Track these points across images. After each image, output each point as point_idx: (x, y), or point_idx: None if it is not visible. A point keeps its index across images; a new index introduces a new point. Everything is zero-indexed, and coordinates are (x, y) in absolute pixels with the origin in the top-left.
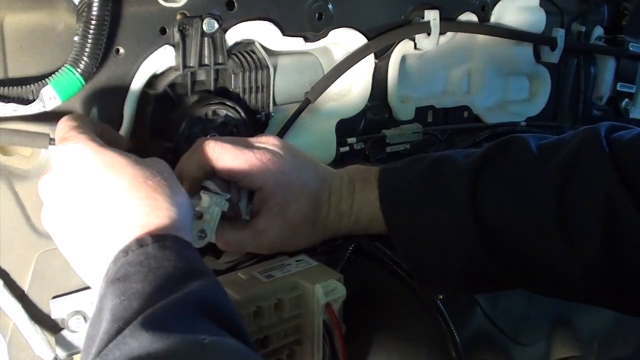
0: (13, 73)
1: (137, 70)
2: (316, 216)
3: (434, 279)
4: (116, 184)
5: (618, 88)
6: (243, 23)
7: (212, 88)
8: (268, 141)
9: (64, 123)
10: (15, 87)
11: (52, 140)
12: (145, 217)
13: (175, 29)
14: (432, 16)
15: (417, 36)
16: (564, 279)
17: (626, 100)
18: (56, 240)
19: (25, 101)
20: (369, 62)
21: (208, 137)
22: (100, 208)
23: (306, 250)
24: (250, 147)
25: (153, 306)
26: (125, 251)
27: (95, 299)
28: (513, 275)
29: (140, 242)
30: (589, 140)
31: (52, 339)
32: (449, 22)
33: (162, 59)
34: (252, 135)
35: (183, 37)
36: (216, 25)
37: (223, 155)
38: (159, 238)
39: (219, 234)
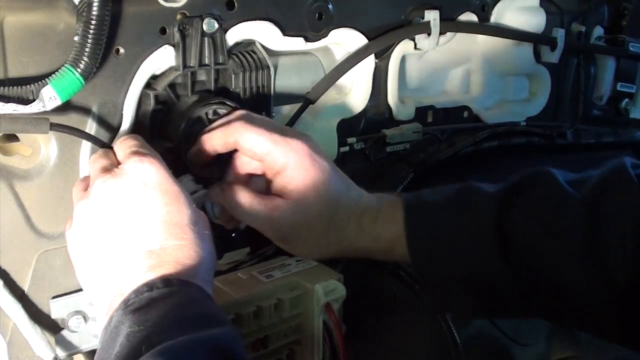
0: (13, 73)
1: (137, 70)
2: (333, 218)
3: (457, 306)
4: (169, 217)
5: (618, 88)
6: (243, 23)
7: (212, 88)
8: (300, 135)
9: (134, 139)
10: (15, 87)
11: (52, 125)
12: (181, 259)
13: (176, 29)
14: (432, 16)
15: (417, 36)
16: (592, 309)
17: (626, 100)
18: (81, 242)
19: (25, 101)
20: (369, 62)
21: (238, 110)
22: (144, 231)
23: None
24: (279, 129)
25: (172, 340)
26: (150, 286)
27: (107, 322)
28: (539, 304)
29: (166, 282)
30: (616, 170)
31: (52, 339)
32: (449, 22)
33: (162, 59)
34: None
35: (183, 37)
36: (216, 25)
37: (248, 131)
38: (185, 284)
39: (237, 196)
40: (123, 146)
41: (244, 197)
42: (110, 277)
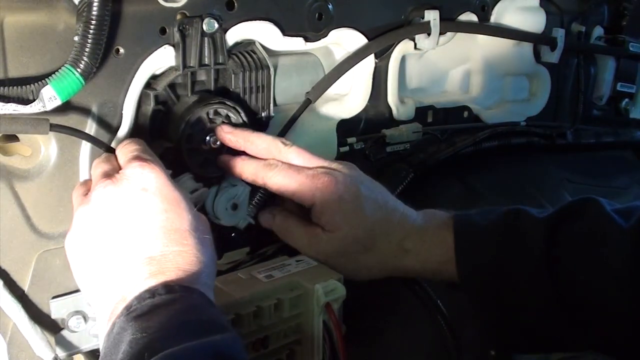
0: (13, 73)
1: (137, 70)
2: (371, 245)
3: (503, 335)
4: (169, 223)
5: (618, 88)
6: (243, 23)
7: (212, 88)
8: (338, 167)
9: (136, 144)
10: (15, 87)
11: (52, 126)
12: (181, 265)
13: (175, 29)
14: (432, 16)
15: (417, 36)
16: (638, 341)
17: (626, 100)
18: (80, 247)
19: (25, 101)
20: (369, 62)
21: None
22: (144, 238)
23: None
24: (308, 168)
25: (174, 347)
26: (152, 292)
27: (109, 329)
28: (586, 334)
29: (168, 289)
30: None
31: (52, 339)
32: (449, 22)
33: (162, 59)
34: None
35: (183, 37)
36: (216, 25)
37: (276, 174)
38: (187, 290)
39: (285, 224)
40: (125, 151)
41: (292, 226)
42: (111, 283)
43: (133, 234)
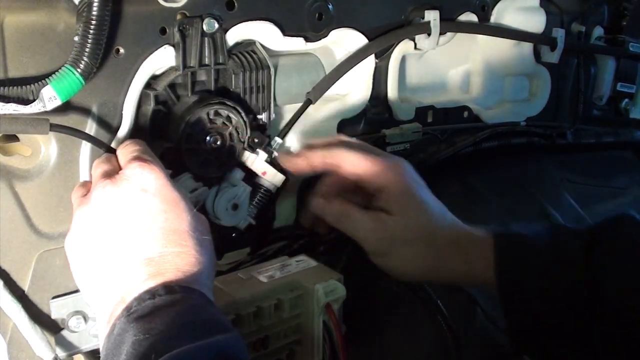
0: (13, 73)
1: (137, 71)
2: (432, 238)
3: (539, 346)
4: (168, 223)
5: (618, 88)
6: (243, 23)
7: (212, 88)
8: (396, 157)
9: (136, 144)
10: (15, 87)
11: (52, 126)
12: (180, 265)
13: (176, 29)
14: (432, 16)
15: (417, 36)
16: None
17: (626, 100)
18: (80, 248)
19: (26, 101)
20: (369, 63)
21: (341, 137)
22: (142, 239)
23: (307, 250)
24: (376, 152)
25: (177, 349)
26: (152, 293)
27: (109, 330)
28: (622, 349)
29: (168, 289)
30: None
31: (52, 339)
32: (449, 22)
33: (162, 59)
34: (252, 136)
35: (183, 37)
36: (216, 25)
37: (350, 154)
38: (187, 290)
39: (343, 208)
40: (125, 151)
41: (352, 210)
42: (110, 284)
43: (132, 235)
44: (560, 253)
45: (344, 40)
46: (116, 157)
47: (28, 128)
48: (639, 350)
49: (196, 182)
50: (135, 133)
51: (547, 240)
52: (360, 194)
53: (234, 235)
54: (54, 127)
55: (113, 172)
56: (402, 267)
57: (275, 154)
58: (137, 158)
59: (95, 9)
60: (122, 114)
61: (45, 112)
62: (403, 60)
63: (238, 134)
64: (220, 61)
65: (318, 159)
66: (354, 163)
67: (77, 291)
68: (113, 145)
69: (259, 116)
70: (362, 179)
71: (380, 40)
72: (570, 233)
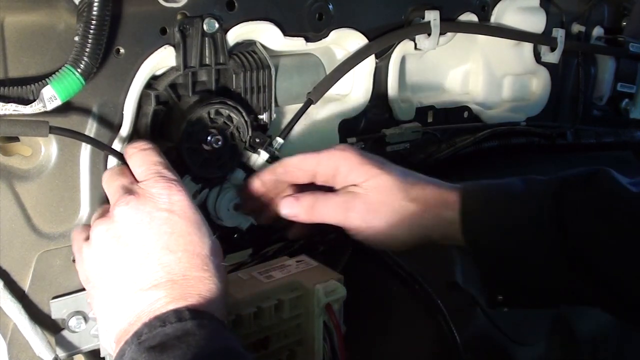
0: (13, 73)
1: (137, 71)
2: (401, 196)
3: (513, 294)
4: (192, 246)
5: (618, 88)
6: (244, 23)
7: (213, 88)
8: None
9: (156, 154)
10: (15, 87)
11: (51, 128)
12: (203, 291)
13: (176, 29)
14: (432, 17)
15: (417, 36)
16: None
17: (626, 100)
18: (101, 263)
19: (26, 101)
20: (369, 63)
21: None
22: (167, 260)
23: (307, 250)
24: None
25: None
26: (163, 320)
27: (117, 354)
28: (597, 293)
29: (178, 315)
30: None
31: (52, 339)
32: (449, 23)
33: (162, 59)
34: (253, 136)
35: (184, 37)
36: (217, 26)
37: (292, 157)
38: (197, 315)
39: (313, 197)
40: (145, 160)
41: (321, 198)
42: (128, 304)
43: (156, 256)
44: (530, 197)
45: (345, 41)
46: (128, 168)
47: (27, 130)
48: (605, 292)
49: (196, 185)
50: (136, 133)
51: (516, 186)
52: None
53: (236, 236)
54: (54, 130)
55: (131, 185)
56: (383, 236)
57: (277, 154)
58: (163, 177)
59: (95, 9)
60: (122, 114)
61: (46, 112)
62: (403, 60)
63: (239, 133)
64: (221, 61)
65: (267, 175)
66: (301, 160)
67: (77, 291)
68: (115, 146)
69: (260, 116)
70: (316, 170)
71: (381, 41)
72: (541, 180)
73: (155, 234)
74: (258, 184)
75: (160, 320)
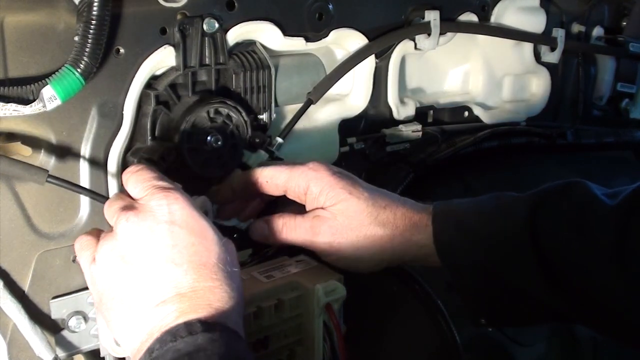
0: (13, 73)
1: (137, 71)
2: (370, 219)
3: (494, 314)
4: (197, 257)
5: (618, 88)
6: (244, 23)
7: (213, 88)
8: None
9: (149, 171)
10: (15, 87)
11: (49, 177)
12: (213, 301)
13: (176, 29)
14: (432, 17)
15: (417, 36)
16: (621, 315)
17: (626, 100)
18: (107, 282)
19: (26, 101)
20: (369, 63)
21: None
22: (173, 274)
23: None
24: (290, 163)
25: None
26: (173, 335)
27: None
28: (575, 309)
29: (189, 329)
30: None
31: (52, 339)
32: (449, 23)
33: (162, 59)
34: (253, 136)
35: (183, 37)
36: (216, 25)
37: (265, 168)
38: (209, 327)
39: (280, 220)
40: (139, 179)
41: (289, 219)
42: (137, 322)
43: (161, 270)
44: (501, 214)
45: (345, 41)
46: (126, 193)
47: (25, 174)
48: (583, 307)
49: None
50: (136, 133)
51: (487, 204)
52: (290, 208)
53: (235, 236)
54: (51, 178)
55: (130, 203)
56: (351, 260)
57: (277, 154)
58: (159, 188)
59: (95, 9)
60: (122, 114)
61: (45, 112)
62: (403, 60)
63: (239, 133)
64: (221, 61)
65: (237, 180)
66: (274, 174)
67: (77, 291)
68: (115, 148)
69: (259, 116)
70: (287, 187)
71: (381, 41)
72: (514, 197)
73: (157, 249)
74: (229, 191)
75: (171, 334)
